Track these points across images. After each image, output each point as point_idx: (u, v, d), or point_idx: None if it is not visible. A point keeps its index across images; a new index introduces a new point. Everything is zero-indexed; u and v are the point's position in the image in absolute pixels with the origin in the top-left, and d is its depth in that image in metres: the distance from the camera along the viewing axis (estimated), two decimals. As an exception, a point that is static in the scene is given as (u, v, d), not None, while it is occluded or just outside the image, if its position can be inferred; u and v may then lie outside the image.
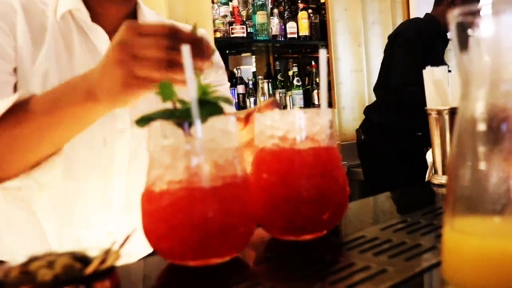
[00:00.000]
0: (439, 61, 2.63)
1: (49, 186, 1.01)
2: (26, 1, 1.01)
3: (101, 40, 1.04)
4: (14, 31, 0.97)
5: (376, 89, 2.89)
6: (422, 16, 2.83)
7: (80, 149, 1.02)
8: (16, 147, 0.88)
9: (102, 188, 1.07)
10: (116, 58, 0.75)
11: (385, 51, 2.86)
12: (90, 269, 0.49)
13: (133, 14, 1.11)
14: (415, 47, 2.58)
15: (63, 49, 1.02)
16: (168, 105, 0.62)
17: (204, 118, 0.60)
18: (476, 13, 0.46)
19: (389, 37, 2.82)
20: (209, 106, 0.60)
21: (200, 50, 0.74)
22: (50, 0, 1.04)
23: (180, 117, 0.60)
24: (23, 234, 1.07)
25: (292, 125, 0.69)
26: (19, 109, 0.86)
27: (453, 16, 0.47)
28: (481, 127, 0.46)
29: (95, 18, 1.04)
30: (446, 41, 2.76)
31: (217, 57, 1.27)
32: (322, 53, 0.74)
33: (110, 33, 1.04)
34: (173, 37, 0.73)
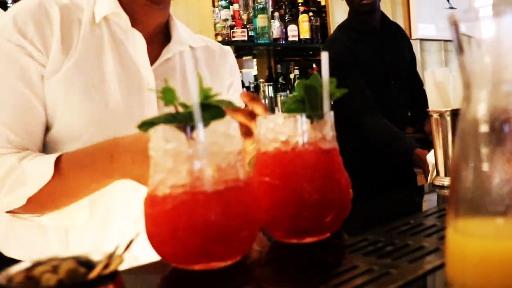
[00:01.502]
0: (385, 54, 2.40)
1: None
2: (65, 7, 1.01)
3: (138, 45, 1.05)
4: (47, 43, 0.97)
5: None
6: (422, 16, 2.79)
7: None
8: (54, 201, 0.95)
9: (124, 198, 1.04)
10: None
11: None
12: (94, 274, 0.50)
13: (166, 24, 1.13)
14: (353, 70, 2.32)
15: (94, 56, 1.02)
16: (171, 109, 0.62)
17: (206, 122, 0.60)
18: (477, 14, 0.46)
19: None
20: (211, 110, 0.60)
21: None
22: (87, 4, 1.04)
23: (182, 121, 0.60)
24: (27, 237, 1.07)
25: (294, 129, 0.69)
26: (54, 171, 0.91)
27: (454, 17, 0.47)
28: (484, 128, 0.46)
29: (132, 24, 1.05)
30: (382, 27, 2.47)
31: (233, 62, 1.29)
32: (324, 56, 0.74)
33: (145, 40, 1.06)
34: None
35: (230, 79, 1.26)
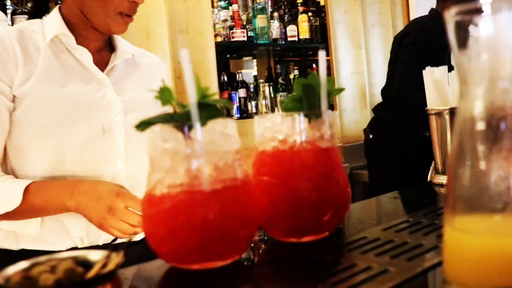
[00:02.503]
0: (447, 60, 2.59)
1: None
2: (19, 31, 1.19)
3: (85, 58, 1.23)
4: (11, 75, 1.14)
5: (382, 91, 2.86)
6: (423, 14, 2.80)
7: (84, 139, 1.17)
8: (16, 218, 1.16)
9: (108, 173, 1.21)
10: (108, 208, 1.06)
11: (391, 52, 2.82)
12: (91, 273, 0.50)
13: (109, 39, 1.33)
14: (421, 52, 2.51)
15: (56, 64, 1.19)
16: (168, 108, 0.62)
17: (203, 121, 0.60)
18: (474, 11, 0.46)
19: (395, 39, 2.78)
20: (209, 109, 0.60)
21: None
22: (38, 28, 1.22)
23: (179, 120, 0.60)
24: None
25: (292, 127, 0.69)
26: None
27: (451, 14, 0.47)
28: (480, 126, 0.46)
29: (79, 40, 1.23)
30: None
31: None
32: (321, 55, 0.74)
33: (93, 53, 1.25)
34: None
35: (160, 73, 1.44)
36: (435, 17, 2.64)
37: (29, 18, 1.33)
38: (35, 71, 1.15)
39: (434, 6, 2.71)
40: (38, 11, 1.31)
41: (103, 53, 1.30)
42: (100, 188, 1.08)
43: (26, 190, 1.10)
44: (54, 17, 1.23)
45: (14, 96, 1.14)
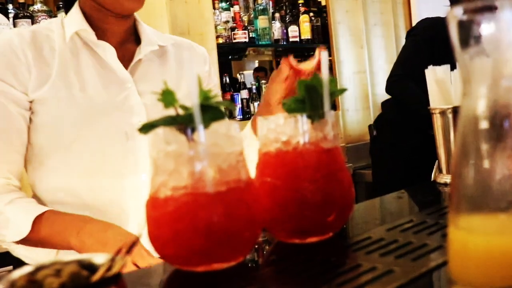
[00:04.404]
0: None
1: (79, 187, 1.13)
2: (32, 32, 1.13)
3: (108, 54, 1.16)
4: (24, 80, 1.09)
5: None
6: (423, 14, 2.81)
7: (105, 147, 1.12)
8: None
9: (131, 186, 1.14)
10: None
11: None
12: (96, 277, 0.50)
13: (134, 28, 1.24)
14: (421, 47, 2.51)
15: (73, 65, 1.13)
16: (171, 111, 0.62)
17: (206, 123, 0.60)
18: (476, 10, 0.46)
19: (407, 33, 2.79)
20: (211, 111, 0.60)
21: None
22: (56, 27, 1.16)
23: (182, 122, 0.60)
24: None
25: (295, 129, 0.69)
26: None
27: (453, 13, 0.47)
28: (484, 124, 0.46)
29: (100, 35, 1.16)
30: None
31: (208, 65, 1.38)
32: (324, 56, 0.74)
33: (116, 48, 1.17)
34: None
35: (206, 66, 1.34)
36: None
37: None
38: (52, 73, 1.10)
39: (435, 4, 2.72)
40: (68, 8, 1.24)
41: (128, 46, 1.22)
42: (109, 233, 1.01)
43: (38, 218, 1.05)
44: (73, 13, 1.17)
45: (30, 101, 1.10)
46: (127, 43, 1.22)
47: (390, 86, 2.57)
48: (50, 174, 1.12)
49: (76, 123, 1.10)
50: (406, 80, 2.49)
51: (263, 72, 4.01)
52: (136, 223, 1.14)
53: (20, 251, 1.14)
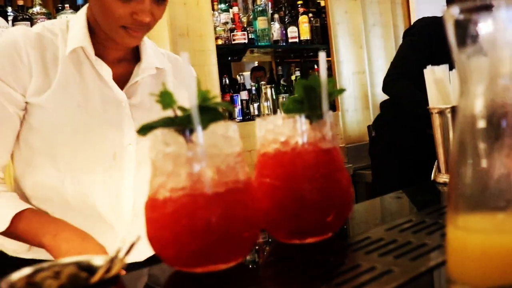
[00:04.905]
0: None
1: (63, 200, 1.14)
2: (38, 35, 1.12)
3: (104, 71, 1.15)
4: (25, 82, 1.09)
5: None
6: (422, 14, 2.80)
7: (91, 165, 1.13)
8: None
9: (113, 201, 1.16)
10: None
11: None
12: (95, 278, 0.50)
13: (136, 48, 1.22)
14: (418, 45, 2.49)
15: (75, 78, 1.13)
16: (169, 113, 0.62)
17: (205, 125, 0.60)
18: (472, 9, 0.46)
19: (404, 33, 2.79)
20: (210, 112, 0.60)
21: None
22: (60, 31, 1.14)
23: (181, 124, 0.60)
24: None
25: (293, 129, 0.69)
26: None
27: (450, 13, 0.47)
28: (481, 124, 0.46)
29: (101, 49, 1.16)
30: None
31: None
32: (322, 56, 0.74)
33: (114, 63, 1.18)
34: None
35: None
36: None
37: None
38: (53, 82, 1.10)
39: (433, 4, 2.72)
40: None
41: (127, 64, 1.21)
42: (86, 242, 1.04)
43: (17, 214, 1.07)
44: (79, 21, 1.14)
45: (26, 103, 1.10)
46: (127, 61, 1.22)
47: (387, 85, 2.57)
48: (37, 173, 1.13)
49: (70, 134, 1.11)
50: (402, 80, 2.49)
51: (262, 72, 4.00)
52: (114, 234, 1.17)
53: None
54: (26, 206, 1.09)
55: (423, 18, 2.77)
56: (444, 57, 2.63)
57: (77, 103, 1.11)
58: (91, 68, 1.15)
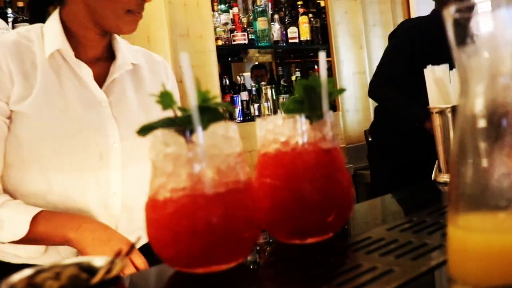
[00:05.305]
0: (446, 60, 2.58)
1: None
2: (14, 43, 1.13)
3: (84, 72, 1.17)
4: (7, 90, 1.09)
5: None
6: (422, 14, 2.80)
7: (79, 168, 1.14)
8: (23, 243, 1.11)
9: (102, 199, 1.18)
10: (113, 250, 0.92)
11: None
12: (96, 279, 0.50)
13: (109, 44, 1.26)
14: (401, 48, 2.53)
15: (55, 83, 1.14)
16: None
17: (205, 125, 0.60)
18: (472, 8, 0.46)
19: (389, 36, 2.80)
20: (210, 113, 0.60)
21: None
22: (35, 37, 1.16)
23: (181, 124, 0.60)
24: None
25: (294, 129, 0.69)
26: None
27: (449, 12, 0.47)
28: (482, 123, 0.46)
29: (79, 50, 1.18)
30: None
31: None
32: (322, 56, 0.74)
33: (92, 63, 1.20)
34: None
35: (165, 76, 1.38)
36: (432, 19, 2.64)
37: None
38: (33, 88, 1.11)
39: (433, 4, 2.71)
40: (35, 19, 1.23)
41: (103, 63, 1.24)
42: (109, 232, 1.07)
43: (33, 218, 1.07)
44: (54, 25, 1.16)
45: (11, 111, 1.10)
46: (102, 60, 1.24)
47: (371, 91, 2.59)
48: (26, 181, 1.13)
49: (55, 140, 1.11)
50: (386, 85, 2.50)
51: (263, 70, 4.00)
52: None
53: (6, 249, 1.16)
54: (38, 209, 1.09)
55: (407, 20, 2.78)
56: (429, 57, 2.68)
57: (59, 108, 1.12)
58: (70, 71, 1.16)
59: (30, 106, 1.10)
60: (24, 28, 1.19)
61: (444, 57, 2.83)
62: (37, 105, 1.10)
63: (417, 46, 2.47)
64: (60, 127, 1.12)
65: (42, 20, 1.21)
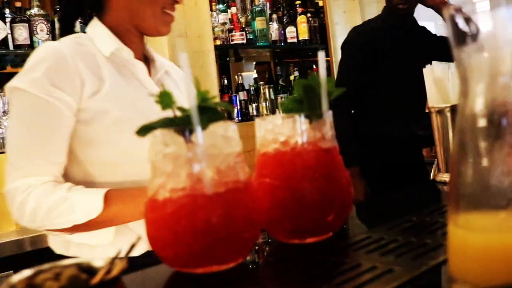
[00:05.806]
0: (407, 53, 2.53)
1: None
2: (78, 44, 1.16)
3: (139, 70, 1.22)
4: (77, 87, 1.10)
5: None
6: (421, 14, 2.79)
7: (137, 151, 1.10)
8: (97, 227, 1.11)
9: None
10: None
11: None
12: (95, 280, 0.50)
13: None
14: (353, 57, 2.54)
15: (122, 82, 1.18)
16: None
17: (204, 125, 0.60)
18: (472, 8, 0.46)
19: (341, 47, 2.76)
20: (209, 113, 0.60)
21: None
22: (87, 41, 1.19)
23: (180, 124, 0.60)
24: None
25: (293, 129, 0.69)
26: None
27: (449, 11, 0.46)
28: (482, 122, 0.46)
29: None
30: (411, 28, 2.65)
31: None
32: (321, 56, 0.74)
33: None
34: None
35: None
36: (382, 17, 2.65)
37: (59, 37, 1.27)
38: (102, 88, 1.13)
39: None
40: (65, 32, 1.26)
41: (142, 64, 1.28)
42: None
43: (105, 197, 1.06)
44: (100, 30, 1.20)
45: (78, 109, 1.11)
46: (142, 62, 1.27)
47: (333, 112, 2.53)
48: (101, 177, 1.14)
49: (129, 135, 1.10)
50: (343, 108, 2.46)
51: (266, 65, 3.98)
52: None
53: (74, 239, 1.14)
54: (104, 189, 1.08)
55: (354, 27, 2.76)
56: (383, 60, 2.64)
57: (130, 104, 1.15)
58: (128, 69, 1.21)
59: (105, 98, 1.12)
60: (73, 36, 1.22)
61: (398, 58, 2.78)
62: (111, 97, 1.13)
63: (368, 51, 2.48)
64: (132, 121, 1.09)
65: (71, 33, 1.24)
